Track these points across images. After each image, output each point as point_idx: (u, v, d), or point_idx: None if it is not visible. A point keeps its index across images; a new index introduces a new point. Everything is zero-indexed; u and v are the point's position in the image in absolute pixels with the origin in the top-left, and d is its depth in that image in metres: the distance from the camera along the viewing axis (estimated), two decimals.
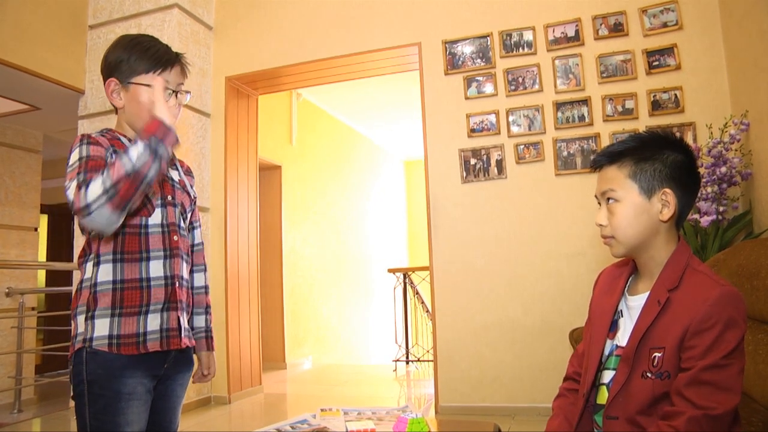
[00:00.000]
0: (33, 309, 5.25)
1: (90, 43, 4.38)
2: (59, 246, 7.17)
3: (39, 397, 5.00)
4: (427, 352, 5.78)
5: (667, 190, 1.23)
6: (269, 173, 6.24)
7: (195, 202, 1.63)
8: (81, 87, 4.31)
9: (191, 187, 1.62)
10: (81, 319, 1.36)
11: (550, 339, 3.47)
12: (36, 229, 5.34)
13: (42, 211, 5.76)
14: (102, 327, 1.34)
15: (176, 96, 1.48)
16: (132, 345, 1.35)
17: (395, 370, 5.69)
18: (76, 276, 4.07)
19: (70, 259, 4.58)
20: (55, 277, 6.68)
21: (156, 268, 1.41)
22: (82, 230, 1.39)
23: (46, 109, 4.69)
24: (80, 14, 4.36)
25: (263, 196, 5.84)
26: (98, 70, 4.23)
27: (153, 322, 1.39)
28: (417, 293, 6.44)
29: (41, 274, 6.66)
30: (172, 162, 1.57)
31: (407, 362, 5.92)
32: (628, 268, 1.36)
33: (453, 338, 3.68)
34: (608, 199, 1.28)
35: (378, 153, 9.44)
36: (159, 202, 1.45)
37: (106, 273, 1.36)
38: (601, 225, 1.30)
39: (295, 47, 4.26)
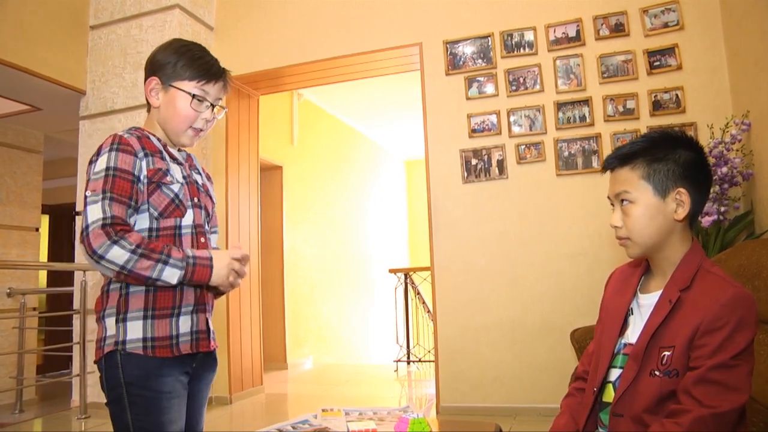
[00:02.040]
0: (34, 309, 5.26)
1: (91, 44, 4.38)
2: (60, 246, 7.17)
3: (40, 397, 5.00)
4: (428, 352, 5.78)
5: (682, 189, 1.23)
6: (270, 173, 6.25)
7: (214, 208, 1.66)
8: (82, 87, 4.31)
9: (212, 192, 1.64)
10: (111, 321, 1.35)
11: (551, 339, 3.47)
12: (37, 230, 5.35)
13: (43, 212, 5.76)
14: (135, 330, 1.33)
15: (213, 109, 1.50)
16: (166, 347, 1.36)
17: (396, 370, 5.70)
18: (78, 276, 4.08)
19: (71, 260, 4.58)
20: (57, 278, 6.68)
21: None
22: None
23: (47, 109, 4.69)
24: (81, 14, 4.36)
25: (264, 196, 5.85)
26: (99, 70, 4.29)
27: (185, 324, 1.40)
28: (418, 293, 6.44)
29: (42, 275, 6.67)
30: (195, 167, 1.59)
31: (408, 362, 5.93)
32: (641, 267, 1.36)
33: (454, 338, 3.68)
34: (622, 200, 1.28)
35: (379, 153, 9.45)
36: (189, 203, 1.46)
37: None
38: (616, 227, 1.30)
39: (296, 47, 4.26)
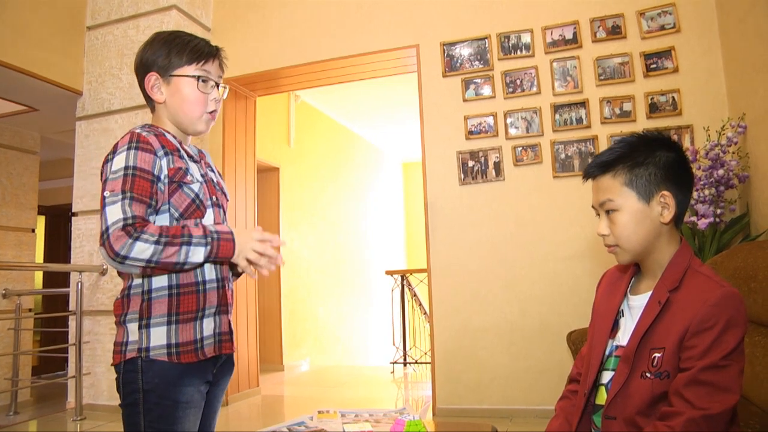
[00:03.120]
0: (30, 310, 5.23)
1: (88, 44, 4.38)
2: (56, 247, 7.15)
3: (35, 398, 4.98)
4: (425, 354, 5.78)
5: (665, 192, 1.22)
6: (267, 175, 6.24)
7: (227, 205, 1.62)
8: (79, 88, 4.30)
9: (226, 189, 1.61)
10: (133, 327, 1.32)
11: (548, 341, 3.47)
12: (33, 231, 5.34)
13: (39, 213, 5.74)
14: (159, 336, 1.31)
15: (217, 88, 1.47)
16: (191, 352, 1.33)
17: (393, 372, 5.69)
18: (74, 277, 4.07)
19: (67, 261, 4.57)
20: (52, 279, 6.66)
21: (210, 271, 1.39)
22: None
23: (43, 110, 4.68)
24: (78, 15, 4.35)
25: (261, 197, 5.84)
26: (96, 71, 4.28)
27: (208, 326, 1.37)
28: (415, 295, 6.44)
29: (38, 276, 6.65)
30: (208, 164, 1.56)
31: (405, 364, 5.92)
32: (632, 269, 1.36)
33: (450, 340, 3.68)
34: (607, 209, 1.27)
35: (376, 155, 9.45)
36: (209, 202, 1.43)
37: (160, 279, 1.33)
38: (603, 235, 1.29)
39: (294, 49, 4.26)
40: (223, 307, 1.42)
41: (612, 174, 1.26)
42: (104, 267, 4.08)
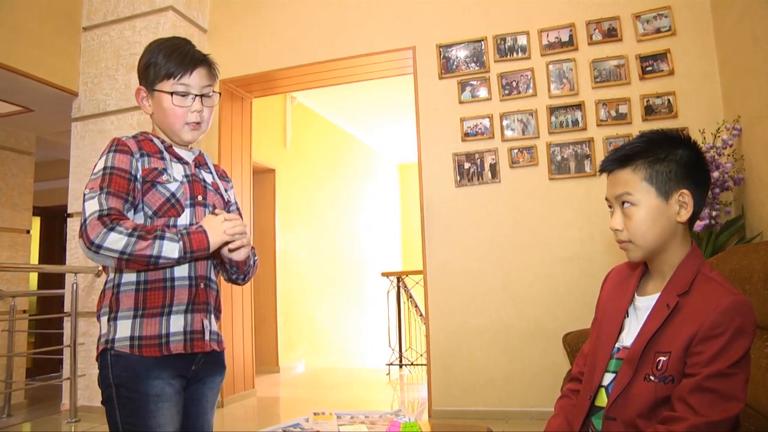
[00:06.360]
0: (24, 312, 5.21)
1: (84, 45, 4.36)
2: (51, 248, 7.12)
3: (30, 401, 4.95)
4: (421, 355, 5.78)
5: (685, 190, 1.21)
6: (263, 176, 6.23)
7: (229, 206, 1.61)
8: (74, 89, 4.29)
9: (225, 191, 1.61)
10: (104, 320, 1.38)
11: (544, 343, 3.47)
12: (28, 232, 5.31)
13: (34, 214, 5.72)
14: (124, 328, 1.34)
15: (201, 99, 1.48)
16: (154, 346, 1.34)
17: (388, 373, 5.68)
18: (69, 279, 4.06)
19: (62, 262, 4.56)
20: (47, 280, 6.64)
21: (180, 268, 1.40)
22: None
23: (39, 110, 4.66)
24: (74, 16, 4.34)
25: (257, 199, 5.82)
26: (92, 71, 4.28)
27: (176, 323, 1.38)
28: (410, 297, 6.44)
29: (33, 277, 6.62)
30: (206, 165, 1.58)
31: (400, 366, 5.92)
32: (640, 268, 1.34)
33: (446, 342, 3.68)
34: (623, 202, 1.24)
35: (372, 156, 9.45)
36: (188, 202, 1.45)
37: (130, 274, 1.37)
38: (616, 230, 1.26)
39: (290, 50, 4.26)
40: (198, 306, 1.42)
41: (632, 168, 1.23)
42: (99, 268, 4.07)
